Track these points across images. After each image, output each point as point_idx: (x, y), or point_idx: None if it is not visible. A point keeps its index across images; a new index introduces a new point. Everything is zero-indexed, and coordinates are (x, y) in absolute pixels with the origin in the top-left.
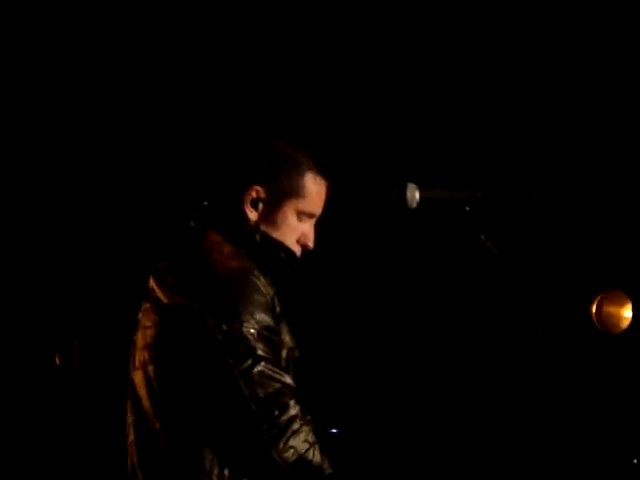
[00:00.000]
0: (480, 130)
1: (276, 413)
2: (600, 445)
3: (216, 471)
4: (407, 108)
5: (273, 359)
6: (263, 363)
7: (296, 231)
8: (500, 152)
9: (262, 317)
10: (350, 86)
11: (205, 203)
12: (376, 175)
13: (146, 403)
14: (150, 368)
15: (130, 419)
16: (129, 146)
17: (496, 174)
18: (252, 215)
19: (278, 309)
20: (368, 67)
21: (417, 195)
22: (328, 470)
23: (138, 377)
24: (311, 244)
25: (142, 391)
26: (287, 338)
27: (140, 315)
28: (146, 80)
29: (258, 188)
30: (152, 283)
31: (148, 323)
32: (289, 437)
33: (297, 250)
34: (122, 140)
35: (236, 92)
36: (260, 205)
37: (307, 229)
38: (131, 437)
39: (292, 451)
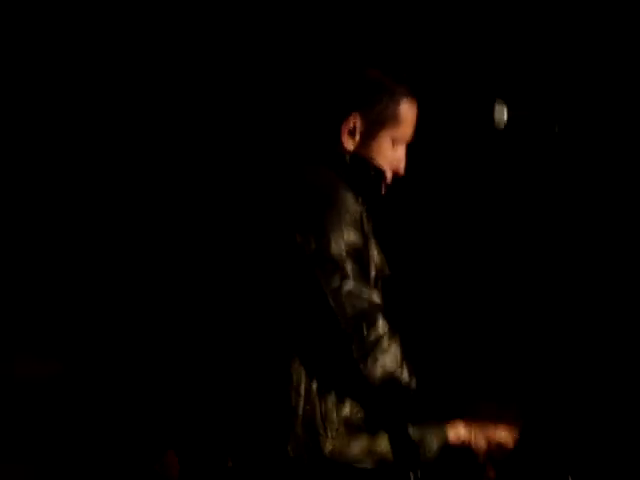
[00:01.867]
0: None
1: (365, 331)
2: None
3: (303, 385)
4: (497, 30)
5: (361, 277)
6: (351, 282)
7: (390, 158)
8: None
9: (351, 235)
10: (436, 7)
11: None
12: (465, 95)
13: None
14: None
15: None
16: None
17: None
18: (349, 144)
19: (367, 227)
20: None
21: (505, 114)
22: (415, 390)
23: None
24: (402, 169)
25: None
26: (376, 256)
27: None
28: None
29: (356, 117)
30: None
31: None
32: (377, 355)
33: (389, 174)
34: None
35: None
36: (357, 135)
37: (400, 155)
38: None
39: (380, 369)
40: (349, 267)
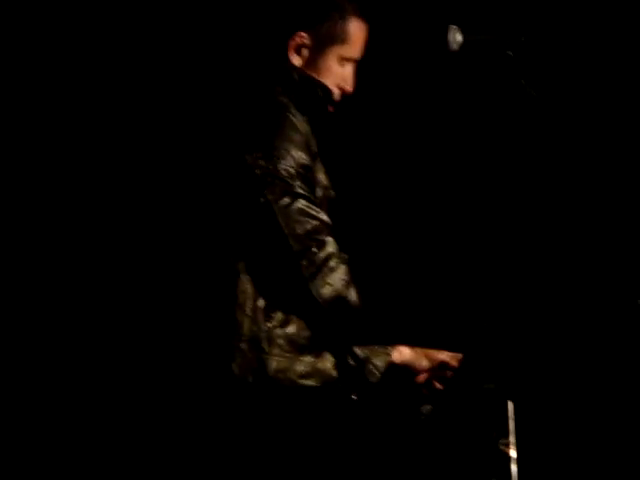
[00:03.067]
0: None
1: (314, 250)
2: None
3: (249, 303)
4: None
5: (310, 196)
6: (301, 200)
7: (337, 76)
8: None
9: (299, 155)
10: None
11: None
12: (419, 17)
13: None
14: None
15: None
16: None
17: (540, 20)
18: (296, 61)
19: (314, 148)
20: None
21: (459, 37)
22: (362, 310)
23: None
24: (350, 88)
25: None
26: (322, 177)
27: None
28: None
29: (303, 34)
30: None
31: None
32: (326, 273)
33: (336, 93)
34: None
35: None
36: (304, 51)
37: (348, 73)
38: None
39: (329, 287)
40: (298, 185)
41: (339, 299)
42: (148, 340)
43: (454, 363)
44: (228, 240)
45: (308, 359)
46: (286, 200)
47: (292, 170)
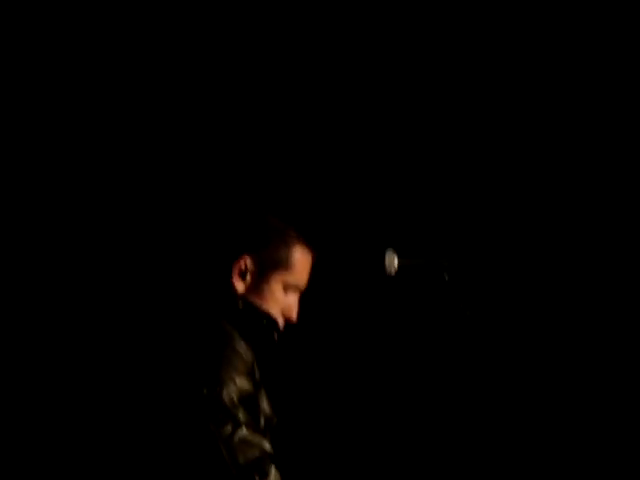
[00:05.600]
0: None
1: (256, 479)
2: None
3: None
4: (388, 176)
5: (252, 425)
6: (244, 429)
7: (281, 303)
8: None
9: (242, 383)
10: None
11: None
12: (355, 242)
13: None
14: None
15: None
16: None
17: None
18: (239, 286)
19: (257, 376)
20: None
21: (395, 262)
22: None
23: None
24: (295, 318)
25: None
26: (265, 405)
27: None
28: None
29: (247, 259)
30: None
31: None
32: None
33: (281, 321)
34: None
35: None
36: (248, 276)
37: (292, 302)
38: None
39: None
40: (241, 415)
41: None
42: None
43: None
44: (169, 468)
45: None
46: (228, 429)
47: (234, 398)
